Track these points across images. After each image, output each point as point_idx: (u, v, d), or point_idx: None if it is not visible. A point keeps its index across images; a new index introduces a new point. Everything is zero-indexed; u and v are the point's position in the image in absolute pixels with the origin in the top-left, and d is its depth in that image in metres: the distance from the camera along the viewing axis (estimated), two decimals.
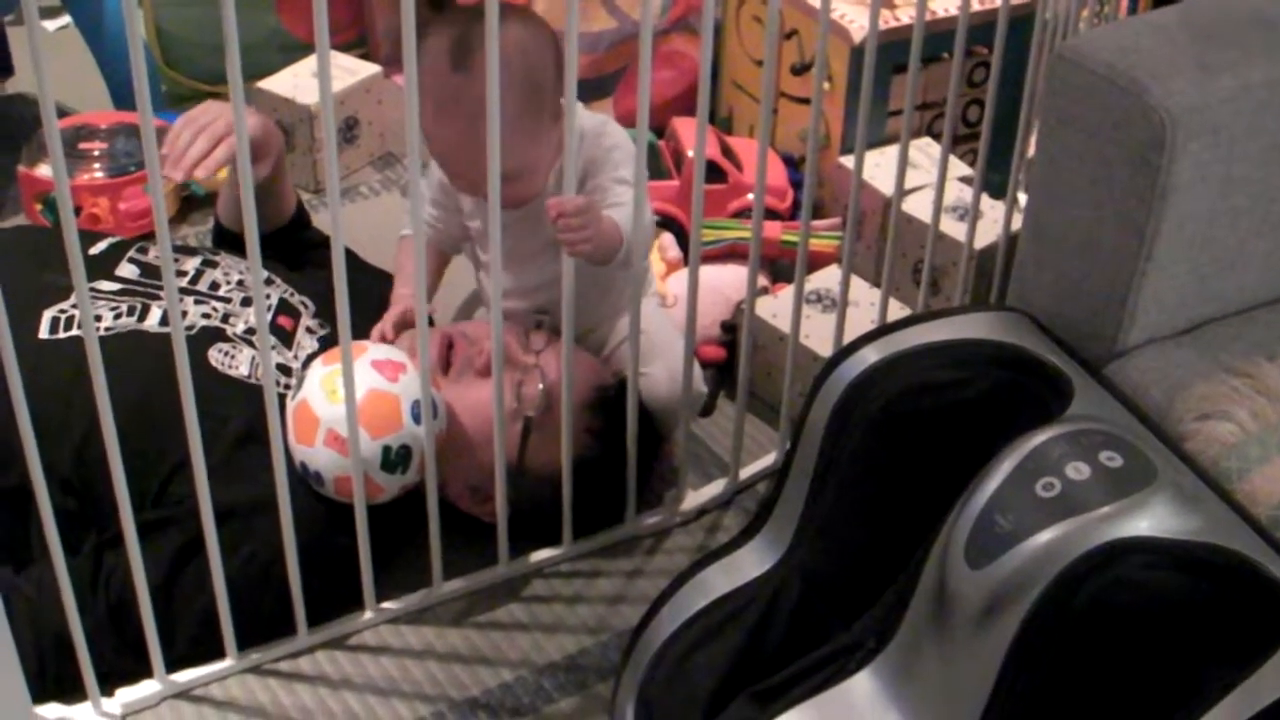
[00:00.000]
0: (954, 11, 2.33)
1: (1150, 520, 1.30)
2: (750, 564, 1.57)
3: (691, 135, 2.33)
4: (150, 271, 1.90)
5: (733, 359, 2.18)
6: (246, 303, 1.90)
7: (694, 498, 1.99)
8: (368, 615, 1.78)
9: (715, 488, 2.02)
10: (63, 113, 2.60)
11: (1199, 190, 1.46)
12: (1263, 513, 1.36)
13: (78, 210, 2.36)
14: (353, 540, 1.67)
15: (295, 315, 1.93)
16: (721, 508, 2.00)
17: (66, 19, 2.92)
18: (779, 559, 1.56)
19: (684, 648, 1.52)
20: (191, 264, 1.97)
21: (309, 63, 2.58)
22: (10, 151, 2.50)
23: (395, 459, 1.68)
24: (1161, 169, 1.43)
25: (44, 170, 2.38)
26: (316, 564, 1.67)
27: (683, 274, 2.19)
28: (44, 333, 1.76)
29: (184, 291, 1.90)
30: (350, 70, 2.60)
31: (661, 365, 1.90)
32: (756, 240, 1.83)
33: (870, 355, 1.55)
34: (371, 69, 2.63)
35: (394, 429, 1.67)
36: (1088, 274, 1.55)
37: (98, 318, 1.81)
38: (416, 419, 1.68)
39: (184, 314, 1.87)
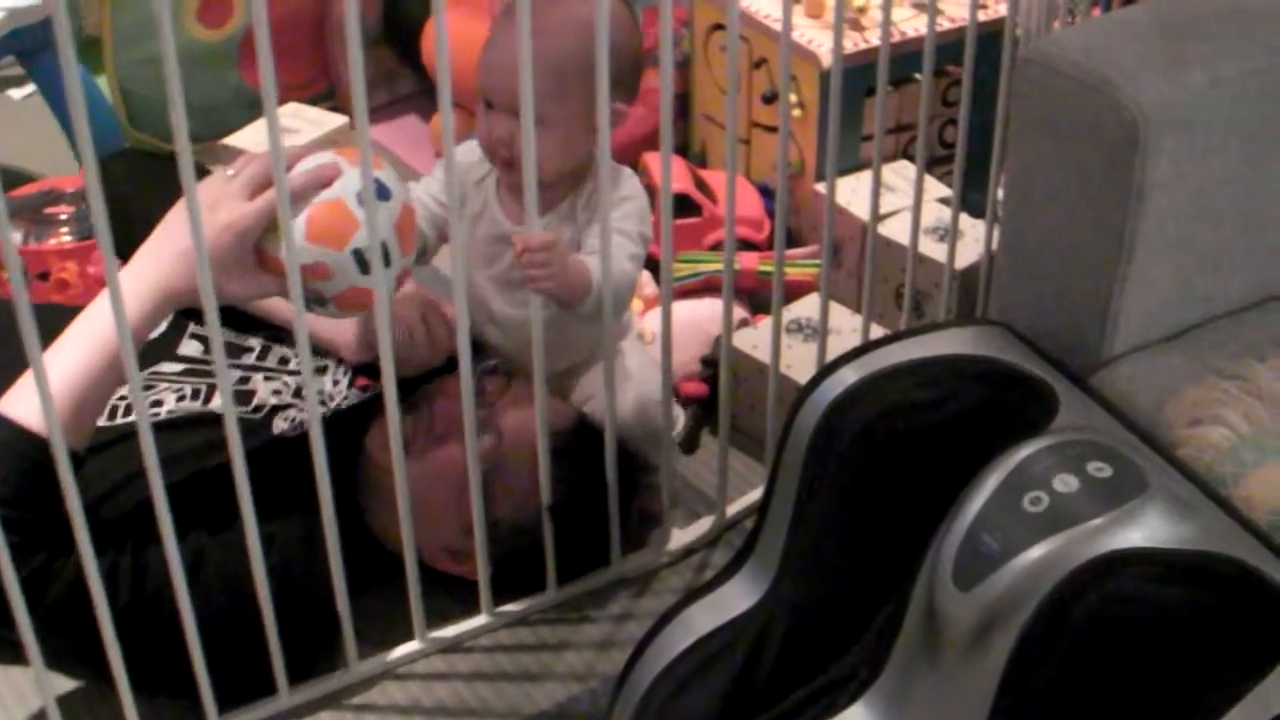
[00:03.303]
0: (923, 31, 2.29)
1: (1144, 530, 1.25)
2: (735, 599, 1.52)
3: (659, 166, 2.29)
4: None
5: (715, 394, 2.13)
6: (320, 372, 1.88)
7: (680, 536, 1.94)
8: (349, 672, 1.72)
9: (702, 526, 1.97)
10: (30, 179, 2.57)
11: (1177, 189, 1.42)
12: (1261, 518, 1.31)
13: (45, 275, 2.32)
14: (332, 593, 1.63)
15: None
16: (709, 546, 1.95)
17: (32, 87, 2.89)
18: (764, 592, 1.51)
19: (670, 690, 1.47)
20: (256, 340, 1.95)
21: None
22: None
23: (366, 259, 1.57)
24: (1136, 168, 1.39)
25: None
26: (297, 608, 1.63)
27: (657, 312, 2.14)
28: (102, 419, 1.70)
29: (252, 369, 1.88)
30: (318, 123, 2.56)
31: (631, 392, 1.85)
32: (729, 271, 1.79)
33: (849, 376, 1.50)
34: (339, 119, 2.59)
35: (352, 230, 1.56)
36: (1068, 282, 1.50)
37: (159, 402, 1.79)
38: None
39: (252, 393, 1.86)
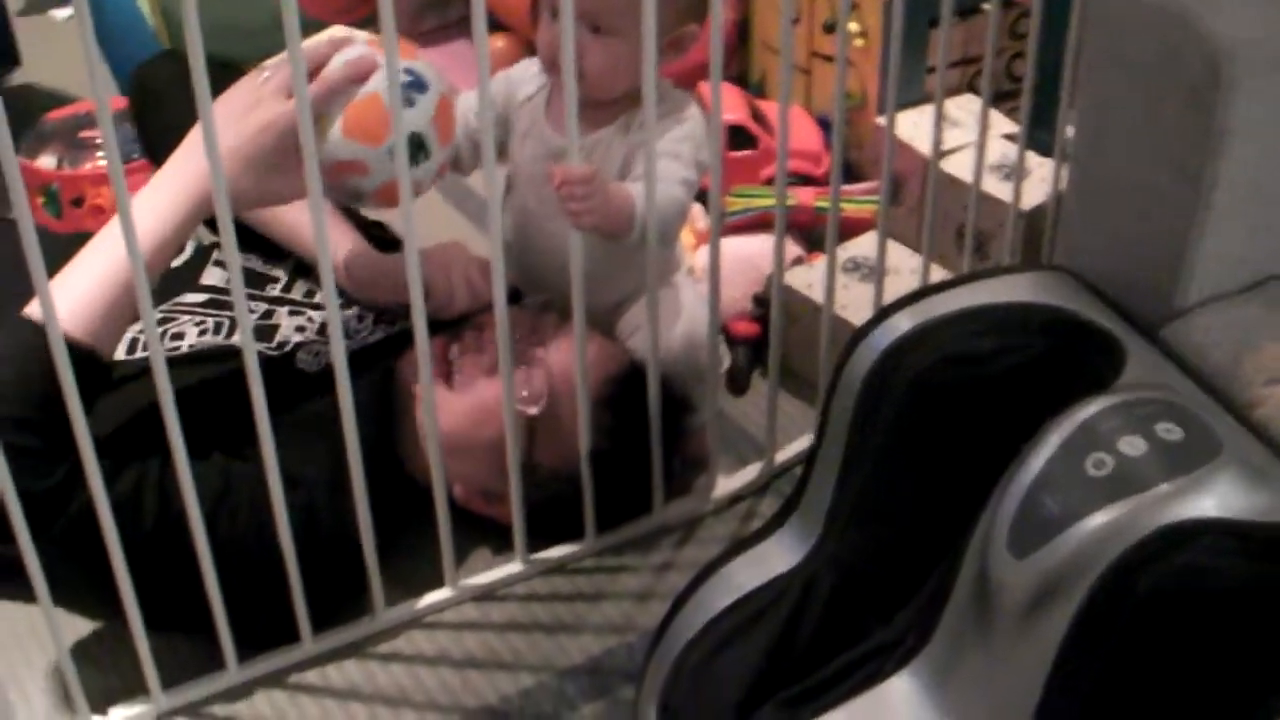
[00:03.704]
0: None
1: (1215, 499, 1.16)
2: (779, 556, 1.44)
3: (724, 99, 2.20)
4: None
5: (766, 334, 2.05)
6: (347, 307, 1.84)
7: (726, 484, 1.87)
8: (375, 619, 1.66)
9: (750, 473, 1.89)
10: (70, 101, 2.51)
11: (1260, 133, 1.32)
12: None
13: (79, 200, 2.26)
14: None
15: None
16: (757, 494, 1.87)
17: (71, 8, 2.82)
18: (810, 550, 1.44)
19: (708, 649, 1.40)
20: (282, 270, 1.91)
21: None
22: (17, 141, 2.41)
23: (409, 152, 1.51)
24: (1218, 108, 1.29)
25: (44, 161, 2.28)
26: (323, 551, 1.57)
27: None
28: (121, 353, 1.66)
29: (277, 301, 1.84)
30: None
31: (681, 328, 1.77)
32: (781, 204, 1.70)
33: (903, 323, 1.42)
34: None
35: (389, 125, 1.51)
36: (1140, 227, 1.41)
37: (180, 335, 1.76)
38: (407, 102, 1.55)
39: (275, 328, 1.81)
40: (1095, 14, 1.39)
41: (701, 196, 2.22)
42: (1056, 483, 1.20)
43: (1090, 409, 1.23)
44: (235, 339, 1.73)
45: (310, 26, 2.61)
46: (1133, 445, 1.19)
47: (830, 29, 2.31)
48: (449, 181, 2.00)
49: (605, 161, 1.73)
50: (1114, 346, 1.35)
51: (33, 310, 1.46)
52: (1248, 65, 1.28)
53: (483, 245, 1.75)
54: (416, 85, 1.56)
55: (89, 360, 1.45)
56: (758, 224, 2.16)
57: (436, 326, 1.65)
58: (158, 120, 1.95)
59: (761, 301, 2.09)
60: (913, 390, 1.39)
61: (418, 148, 1.56)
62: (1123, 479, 1.17)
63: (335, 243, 1.78)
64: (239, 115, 1.53)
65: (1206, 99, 1.29)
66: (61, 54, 2.83)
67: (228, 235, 1.35)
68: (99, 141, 2.32)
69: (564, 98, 1.51)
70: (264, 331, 1.78)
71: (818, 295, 1.96)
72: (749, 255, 2.13)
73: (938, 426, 1.38)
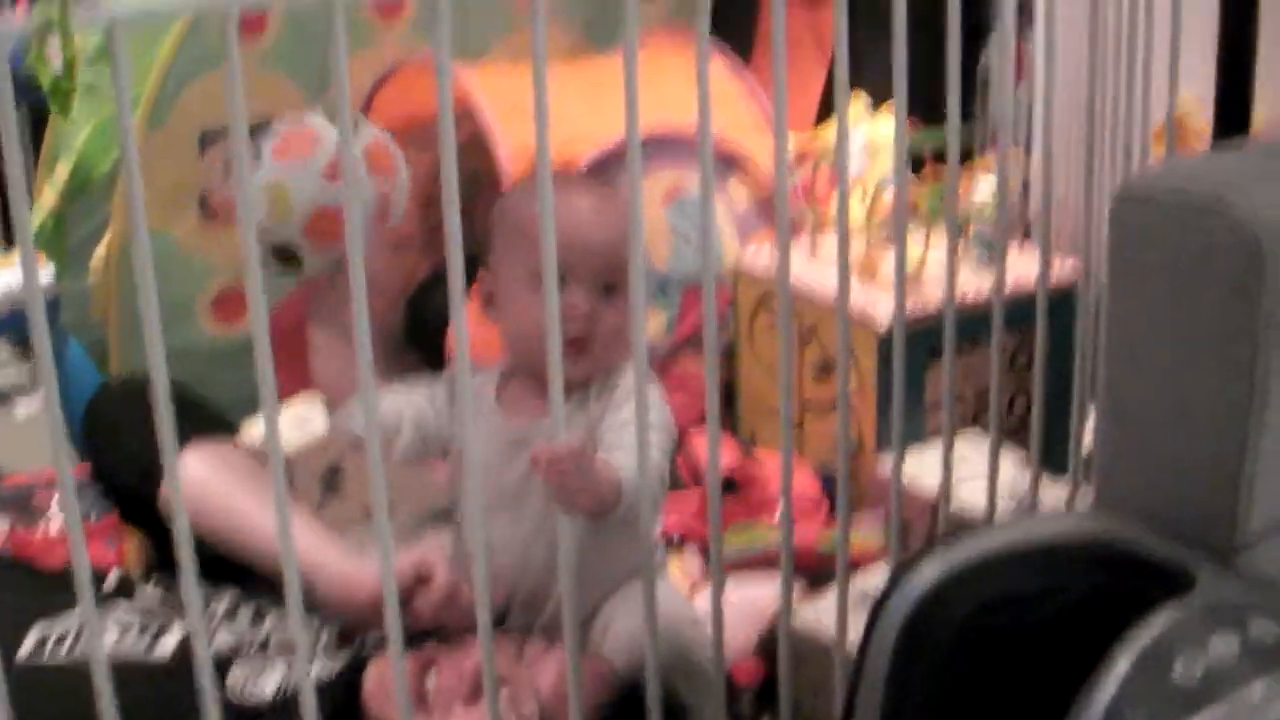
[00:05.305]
0: (984, 292, 2.12)
1: None
2: None
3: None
4: (175, 602, 1.75)
5: (771, 678, 1.88)
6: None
7: None
8: None
9: None
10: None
11: None
12: None
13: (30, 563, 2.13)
14: None
15: None
16: None
17: (37, 404, 2.75)
18: None
19: None
20: (228, 595, 1.81)
21: (288, 412, 2.38)
22: None
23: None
24: (1263, 295, 1.18)
25: None
26: None
27: (708, 592, 1.92)
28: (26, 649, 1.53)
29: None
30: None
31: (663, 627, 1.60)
32: (787, 538, 1.58)
33: (934, 569, 1.26)
34: None
35: (389, 171, 1.42)
36: (1188, 449, 1.27)
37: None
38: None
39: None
40: (1115, 229, 1.29)
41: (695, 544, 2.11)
42: (1140, 696, 1.02)
43: (1168, 615, 1.06)
44: (157, 651, 1.62)
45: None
46: (1227, 644, 1.02)
47: (822, 375, 2.24)
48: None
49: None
50: (1178, 575, 1.19)
51: None
52: None
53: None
54: None
55: None
56: (758, 564, 2.02)
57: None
58: (114, 451, 1.87)
59: (766, 643, 1.92)
60: (954, 644, 1.22)
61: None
62: (1218, 682, 1.00)
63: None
64: None
65: (1250, 289, 1.18)
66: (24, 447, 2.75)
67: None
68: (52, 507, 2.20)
69: (519, 384, 1.54)
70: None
71: (828, 632, 1.79)
72: (751, 596, 1.98)
73: (984, 681, 1.21)
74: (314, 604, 1.65)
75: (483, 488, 1.62)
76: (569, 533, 1.43)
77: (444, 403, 1.68)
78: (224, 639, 1.68)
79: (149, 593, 1.79)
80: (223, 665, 1.62)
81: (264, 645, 1.68)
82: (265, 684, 1.61)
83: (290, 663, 1.64)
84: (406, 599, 1.62)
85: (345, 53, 1.22)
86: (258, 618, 1.75)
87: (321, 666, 1.64)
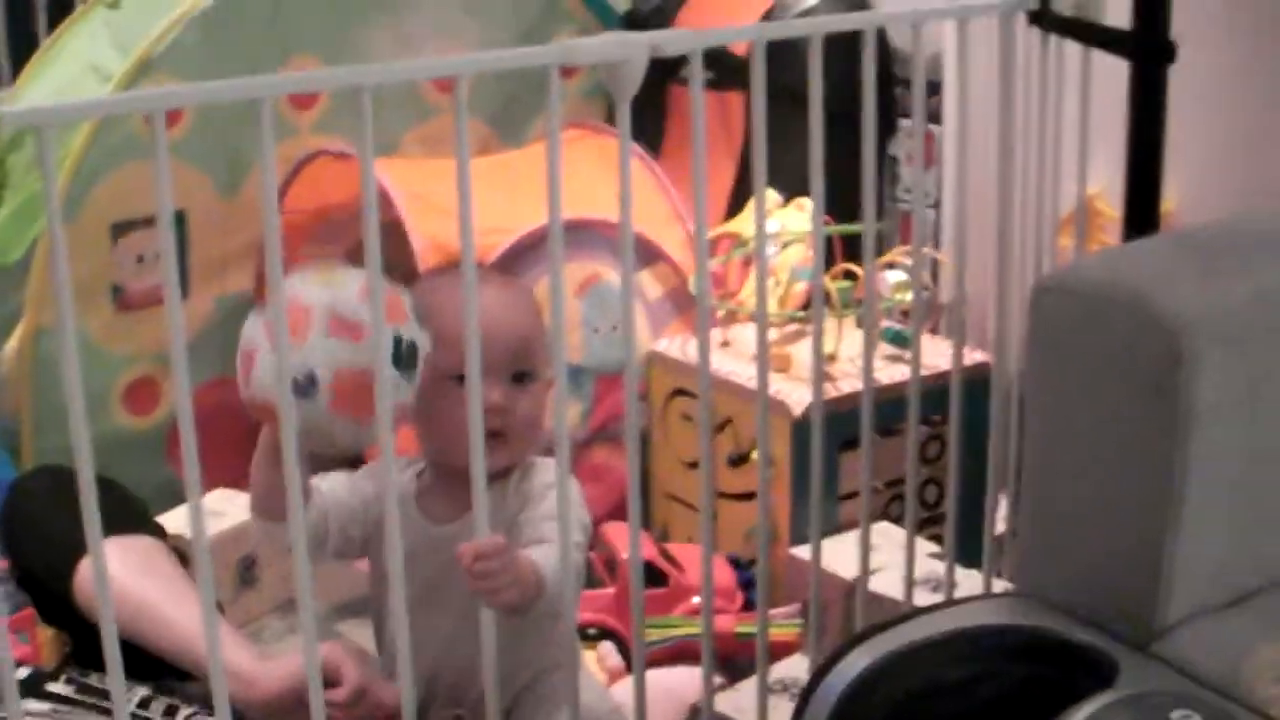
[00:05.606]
0: (896, 379, 2.15)
1: None
2: None
3: (624, 538, 2.10)
4: (89, 690, 1.73)
5: None
6: None
7: None
8: None
9: None
10: None
11: (1227, 418, 1.24)
12: None
13: None
14: None
15: None
16: None
17: None
18: None
19: None
20: (143, 688, 1.80)
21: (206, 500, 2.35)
22: None
23: (404, 353, 1.39)
24: (1182, 390, 1.21)
25: None
26: None
27: (627, 682, 1.92)
28: None
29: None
30: (245, 508, 2.36)
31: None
32: (708, 630, 1.60)
33: (862, 658, 1.27)
34: None
35: (401, 317, 1.40)
36: (1108, 542, 1.30)
37: None
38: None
39: None
40: (1035, 322, 1.32)
41: (611, 637, 2.10)
42: None
43: (1097, 703, 1.07)
44: None
45: None
46: None
47: (734, 462, 2.24)
48: None
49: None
50: (1102, 662, 1.21)
51: None
52: (1208, 341, 1.21)
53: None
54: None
55: None
56: (677, 654, 2.02)
57: None
58: (31, 544, 1.85)
59: None
60: None
61: (412, 354, 1.42)
62: None
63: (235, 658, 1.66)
64: None
65: (1168, 382, 1.21)
66: None
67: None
68: None
69: (436, 484, 1.57)
70: None
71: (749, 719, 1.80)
72: (670, 686, 1.97)
73: None
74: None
75: (412, 589, 1.62)
76: (491, 627, 1.43)
77: (371, 497, 1.66)
78: None
79: (60, 689, 1.76)
80: None
81: None
82: None
83: None
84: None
85: (273, 144, 1.23)
86: (169, 713, 1.74)
87: None
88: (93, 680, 1.80)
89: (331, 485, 1.65)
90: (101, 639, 1.25)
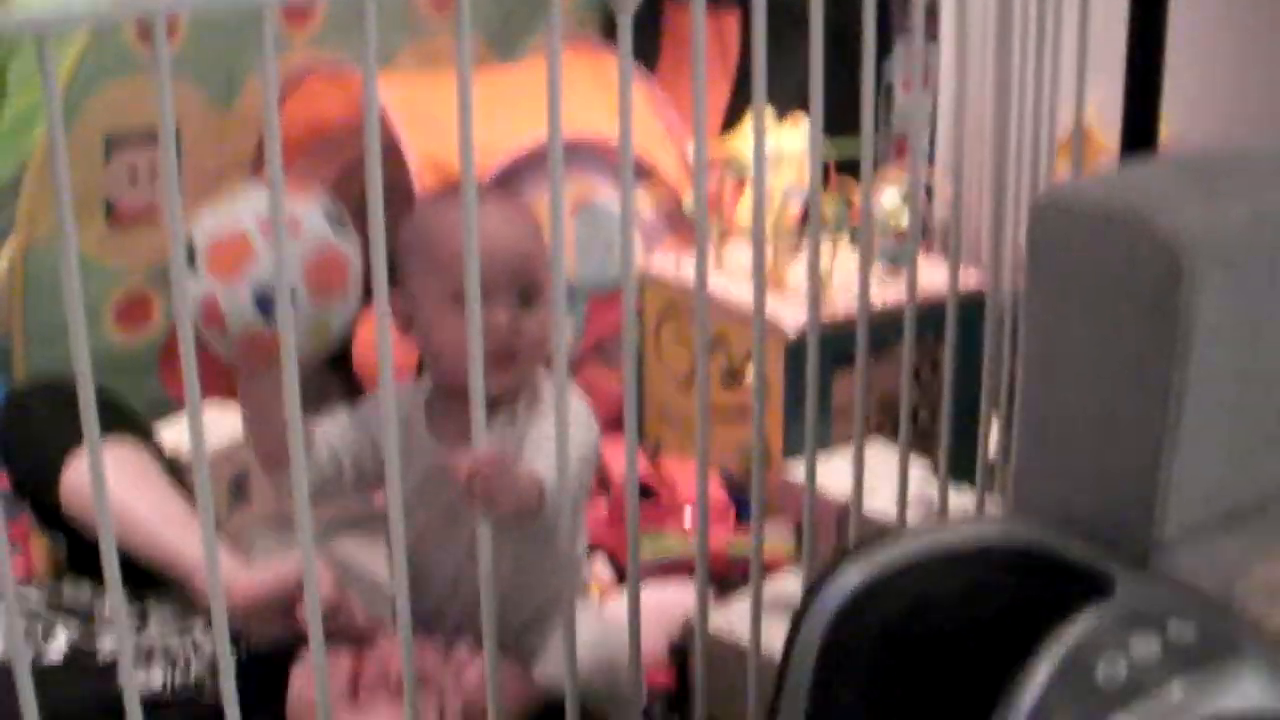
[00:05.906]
0: (890, 302, 2.15)
1: (1239, 699, 1.02)
2: None
3: (616, 456, 2.12)
4: (58, 604, 1.77)
5: (683, 685, 1.89)
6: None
7: None
8: None
9: None
10: None
11: (1227, 337, 1.24)
12: None
13: None
14: None
15: None
16: None
17: None
18: None
19: None
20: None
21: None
22: None
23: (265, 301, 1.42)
24: (1181, 309, 1.21)
25: None
26: None
27: (620, 599, 1.94)
28: None
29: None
30: (237, 423, 2.36)
31: (586, 649, 1.62)
32: (702, 546, 1.60)
33: (856, 576, 1.28)
34: None
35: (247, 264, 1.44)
36: (1105, 460, 1.30)
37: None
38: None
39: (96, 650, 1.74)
40: (1034, 241, 1.32)
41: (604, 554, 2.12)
42: (1064, 697, 1.05)
43: (1089, 619, 1.09)
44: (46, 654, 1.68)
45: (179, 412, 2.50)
46: (1147, 645, 1.05)
47: (727, 382, 2.25)
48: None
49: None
50: (1098, 578, 1.22)
51: None
52: (1207, 261, 1.21)
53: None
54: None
55: None
56: (667, 571, 2.03)
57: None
58: (25, 454, 1.87)
59: (678, 651, 1.93)
60: (878, 648, 1.24)
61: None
62: (1140, 683, 1.03)
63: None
64: None
65: (1167, 302, 1.22)
66: None
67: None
68: None
69: (443, 406, 1.60)
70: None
71: (741, 638, 1.81)
72: (660, 603, 1.99)
73: (912, 682, 1.23)
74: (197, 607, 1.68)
75: (417, 510, 1.63)
76: (488, 539, 1.44)
77: (376, 429, 1.67)
78: (111, 642, 1.70)
79: (32, 595, 1.79)
80: (110, 668, 1.64)
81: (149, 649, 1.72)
82: (152, 680, 1.66)
83: (172, 664, 1.69)
84: (290, 606, 1.63)
85: (275, 57, 1.23)
86: (141, 619, 1.77)
87: (198, 668, 1.67)
88: (65, 600, 1.83)
89: (334, 424, 1.66)
90: (89, 546, 1.27)
